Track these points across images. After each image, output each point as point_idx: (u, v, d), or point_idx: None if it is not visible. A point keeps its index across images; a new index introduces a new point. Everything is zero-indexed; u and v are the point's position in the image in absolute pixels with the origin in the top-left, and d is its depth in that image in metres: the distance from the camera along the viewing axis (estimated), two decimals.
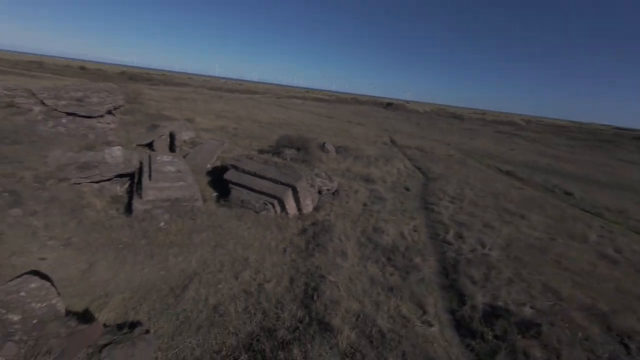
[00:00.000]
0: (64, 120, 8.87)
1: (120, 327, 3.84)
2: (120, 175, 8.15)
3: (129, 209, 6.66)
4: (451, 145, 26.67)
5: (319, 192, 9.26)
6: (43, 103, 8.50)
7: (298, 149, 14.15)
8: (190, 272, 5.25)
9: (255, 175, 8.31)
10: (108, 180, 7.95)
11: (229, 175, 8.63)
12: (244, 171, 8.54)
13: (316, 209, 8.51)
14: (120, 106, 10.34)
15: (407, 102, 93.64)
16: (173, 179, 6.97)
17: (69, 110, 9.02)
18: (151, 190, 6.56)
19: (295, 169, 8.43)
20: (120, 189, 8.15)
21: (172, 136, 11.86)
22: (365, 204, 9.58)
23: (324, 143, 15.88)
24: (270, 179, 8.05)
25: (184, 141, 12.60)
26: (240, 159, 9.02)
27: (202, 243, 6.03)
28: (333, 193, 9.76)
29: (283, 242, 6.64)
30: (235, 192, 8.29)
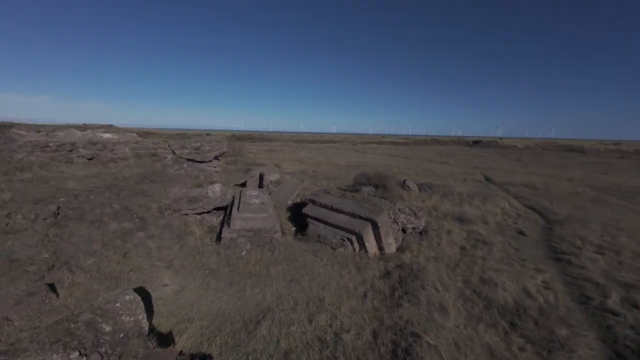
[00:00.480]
0: (184, 165, 10.90)
1: (192, 358, 3.59)
2: (218, 208, 9.13)
3: (219, 237, 7.11)
4: (575, 181, 20.75)
5: (403, 230, 8.03)
6: (173, 152, 10.71)
7: (376, 186, 13.40)
8: (264, 306, 4.86)
9: (332, 209, 7.93)
10: (208, 212, 8.99)
11: (307, 209, 8.52)
12: (321, 205, 8.30)
13: (400, 249, 7.28)
14: (224, 152, 12.27)
15: (500, 138, 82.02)
16: (257, 211, 7.24)
17: (189, 157, 11.08)
18: (238, 220, 6.90)
19: (375, 202, 7.66)
20: (216, 220, 9.06)
21: (261, 177, 13.08)
22: (463, 248, 7.72)
23: (405, 180, 14.65)
24: (348, 213, 7.48)
25: (271, 181, 13.72)
26: (318, 193, 8.92)
27: (278, 276, 5.69)
28: (420, 232, 8.34)
29: (363, 285, 5.67)
30: (313, 226, 7.99)
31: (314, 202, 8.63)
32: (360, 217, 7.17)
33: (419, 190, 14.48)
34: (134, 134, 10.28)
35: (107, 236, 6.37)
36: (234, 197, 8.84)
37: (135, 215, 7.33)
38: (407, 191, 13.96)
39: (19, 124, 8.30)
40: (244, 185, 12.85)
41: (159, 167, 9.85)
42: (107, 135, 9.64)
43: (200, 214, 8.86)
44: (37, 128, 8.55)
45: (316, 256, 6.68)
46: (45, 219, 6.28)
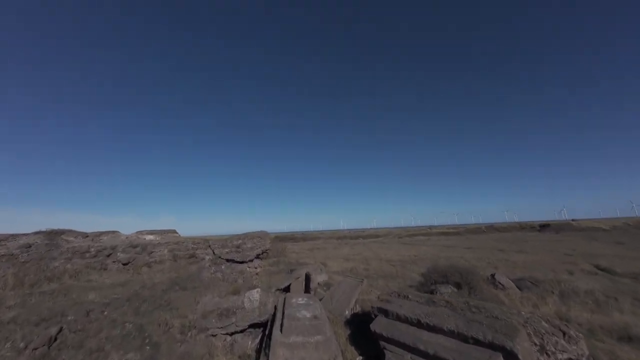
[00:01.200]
0: (222, 267, 9.35)
1: None
2: (254, 325, 6.77)
3: None
4: None
5: None
6: (213, 252, 9.44)
7: (458, 285, 9.92)
8: None
9: (419, 325, 5.11)
10: (242, 331, 6.63)
11: (378, 325, 5.73)
12: (399, 318, 5.53)
13: None
14: (267, 250, 10.72)
15: (573, 220, 69.58)
16: (308, 331, 4.82)
17: (229, 257, 9.65)
18: (281, 349, 4.48)
19: (493, 311, 4.76)
20: (250, 344, 6.53)
21: (307, 278, 10.75)
22: None
23: (493, 274, 10.95)
24: (451, 334, 4.61)
25: (319, 283, 11.17)
26: (391, 299, 6.25)
27: None
28: None
29: None
30: (393, 357, 5.03)
31: (386, 312, 5.90)
32: (477, 342, 4.24)
33: (518, 288, 10.43)
34: (176, 234, 9.61)
35: None
36: (275, 307, 6.57)
37: (147, 340, 5.36)
38: (503, 290, 10.07)
39: (71, 231, 8.09)
40: (287, 289, 10.48)
41: (194, 270, 8.42)
42: (149, 237, 9.02)
43: (232, 334, 6.52)
44: (85, 234, 8.27)
45: None
46: (35, 349, 4.64)
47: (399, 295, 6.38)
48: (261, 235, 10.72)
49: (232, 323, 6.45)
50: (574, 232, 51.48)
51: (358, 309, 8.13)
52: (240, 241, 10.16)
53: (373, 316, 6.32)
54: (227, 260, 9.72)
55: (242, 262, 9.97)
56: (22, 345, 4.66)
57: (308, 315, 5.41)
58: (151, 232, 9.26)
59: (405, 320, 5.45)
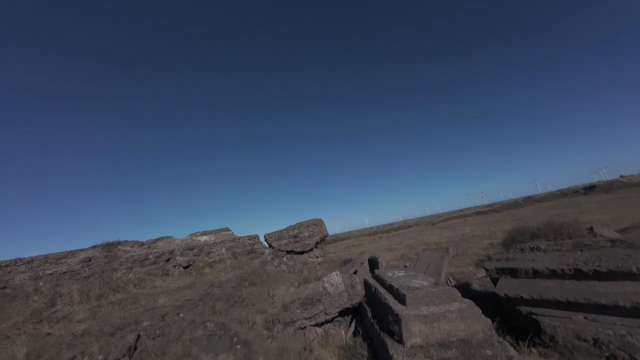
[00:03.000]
0: (284, 259, 8.37)
1: None
2: (345, 312, 5.63)
3: None
4: None
5: None
6: (271, 245, 8.53)
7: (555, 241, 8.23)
8: None
9: (580, 274, 3.74)
10: (331, 320, 5.51)
11: (508, 287, 4.40)
12: (537, 274, 4.18)
13: None
14: (325, 237, 9.63)
15: (621, 177, 62.55)
16: (441, 299, 3.62)
17: (288, 249, 8.67)
18: (415, 324, 3.30)
19: None
20: (345, 334, 5.39)
21: (373, 262, 9.49)
22: None
23: (591, 227, 9.10)
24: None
25: (391, 266, 9.87)
26: (512, 256, 4.90)
27: None
28: None
29: None
30: (553, 322, 3.67)
31: (513, 271, 4.55)
32: None
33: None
34: (229, 232, 8.82)
35: None
36: (368, 285, 5.42)
37: (235, 338, 4.39)
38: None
39: (126, 241, 7.48)
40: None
41: (257, 265, 7.49)
42: (204, 238, 8.26)
43: (320, 324, 5.42)
44: (140, 242, 7.65)
45: None
46: None
47: (522, 250, 5.00)
48: (316, 222, 9.67)
49: (321, 312, 5.36)
50: (628, 189, 46.17)
51: (452, 282, 6.77)
52: (296, 231, 9.17)
53: (491, 280, 5.00)
54: (288, 252, 8.74)
55: (302, 253, 8.95)
56: (101, 358, 3.84)
57: (425, 283, 4.21)
58: (204, 233, 8.51)
59: (553, 274, 4.09)
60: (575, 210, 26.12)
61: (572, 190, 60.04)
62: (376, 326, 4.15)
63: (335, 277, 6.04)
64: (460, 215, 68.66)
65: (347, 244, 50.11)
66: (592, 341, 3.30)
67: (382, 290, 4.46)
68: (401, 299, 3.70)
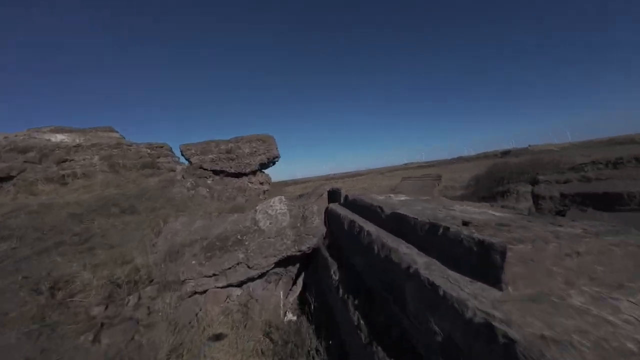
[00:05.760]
0: (209, 181, 5.14)
1: None
2: (287, 261, 2.99)
3: None
4: None
5: None
6: (189, 161, 5.06)
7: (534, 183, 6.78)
8: None
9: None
10: (262, 276, 2.85)
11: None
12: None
13: None
14: (275, 158, 6.56)
15: (529, 145, 70.86)
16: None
17: (217, 168, 5.35)
18: None
19: None
20: (284, 297, 2.85)
21: (334, 194, 6.93)
22: None
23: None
24: None
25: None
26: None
27: None
28: None
29: None
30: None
31: (606, 197, 2.18)
32: None
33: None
34: (114, 135, 5.08)
35: None
36: (333, 222, 2.72)
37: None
38: None
39: None
40: None
41: (154, 184, 4.20)
42: (58, 137, 4.44)
43: (240, 284, 2.74)
44: None
45: None
46: None
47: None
48: (263, 138, 6.38)
49: (239, 263, 2.58)
50: (529, 155, 52.12)
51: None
52: (231, 145, 5.82)
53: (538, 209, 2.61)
54: (216, 173, 5.50)
55: (239, 175, 5.83)
56: None
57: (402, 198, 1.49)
58: (60, 130, 4.60)
59: None
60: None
61: (493, 154, 66.77)
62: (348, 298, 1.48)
63: (277, 203, 3.19)
64: (406, 168, 72.48)
65: (305, 186, 48.81)
66: None
67: (374, 229, 1.68)
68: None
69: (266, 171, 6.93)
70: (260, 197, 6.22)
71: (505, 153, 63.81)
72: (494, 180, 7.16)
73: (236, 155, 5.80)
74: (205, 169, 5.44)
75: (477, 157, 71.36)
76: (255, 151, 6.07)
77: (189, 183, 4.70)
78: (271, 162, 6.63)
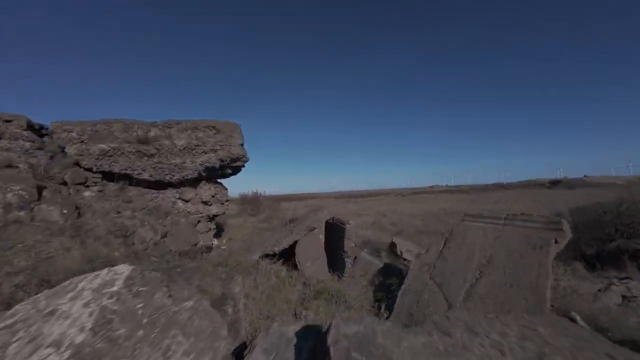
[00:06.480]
0: (86, 193, 2.58)
1: None
2: None
3: None
4: None
5: None
6: (63, 149, 2.56)
7: None
8: None
9: None
10: None
11: None
12: None
13: None
14: (238, 158, 3.92)
15: (585, 176, 61.26)
16: None
17: (114, 168, 2.78)
18: None
19: None
20: None
21: (335, 228, 4.02)
22: None
23: None
24: None
25: (355, 244, 4.51)
26: None
27: None
28: None
29: None
30: None
31: None
32: None
33: None
34: None
35: None
36: None
37: None
38: None
39: None
40: (286, 254, 3.78)
41: None
42: None
43: None
44: None
45: None
46: None
47: None
48: (217, 125, 3.81)
49: None
50: (589, 188, 44.30)
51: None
52: (155, 132, 3.33)
53: None
54: (104, 175, 2.98)
55: (164, 186, 3.26)
56: None
57: None
58: None
59: None
60: (547, 200, 22.52)
61: (538, 182, 58.78)
62: None
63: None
64: (431, 190, 66.56)
65: (309, 203, 45.24)
66: None
67: None
68: None
69: (223, 181, 4.30)
70: (199, 228, 3.55)
71: (555, 183, 55.25)
72: (602, 229, 3.78)
73: (160, 148, 3.27)
74: (87, 169, 2.95)
75: (520, 185, 62.27)
76: (197, 145, 3.50)
77: (24, 192, 2.20)
78: (230, 165, 3.98)
